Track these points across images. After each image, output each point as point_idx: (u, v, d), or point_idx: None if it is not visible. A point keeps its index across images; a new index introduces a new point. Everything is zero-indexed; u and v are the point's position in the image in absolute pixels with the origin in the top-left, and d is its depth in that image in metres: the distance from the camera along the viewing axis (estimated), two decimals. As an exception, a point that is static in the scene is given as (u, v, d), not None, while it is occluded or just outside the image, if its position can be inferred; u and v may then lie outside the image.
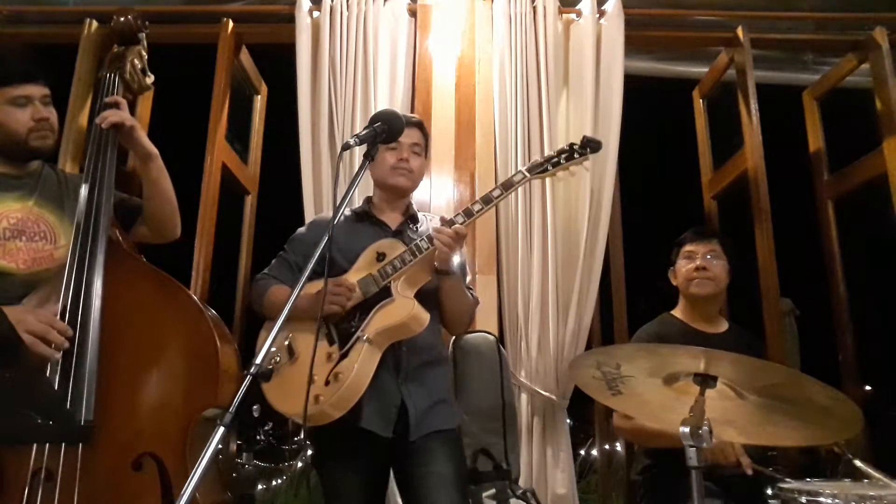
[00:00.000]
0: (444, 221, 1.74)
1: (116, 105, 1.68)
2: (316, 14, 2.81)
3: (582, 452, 4.23)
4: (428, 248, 1.72)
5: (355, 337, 1.68)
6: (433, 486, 1.68)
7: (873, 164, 2.88)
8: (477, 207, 1.78)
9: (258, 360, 1.04)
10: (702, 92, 3.32)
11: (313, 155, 2.67)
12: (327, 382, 1.63)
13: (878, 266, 3.28)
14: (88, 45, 2.83)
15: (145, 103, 2.92)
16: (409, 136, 1.89)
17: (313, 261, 1.23)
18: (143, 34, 1.87)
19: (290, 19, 2.80)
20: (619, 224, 2.96)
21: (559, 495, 2.39)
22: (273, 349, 1.72)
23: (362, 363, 1.64)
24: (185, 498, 0.88)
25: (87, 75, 2.80)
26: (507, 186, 1.82)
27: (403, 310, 1.70)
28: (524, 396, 2.48)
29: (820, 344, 3.28)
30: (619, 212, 2.96)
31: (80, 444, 1.33)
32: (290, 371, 1.72)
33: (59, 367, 1.36)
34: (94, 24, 2.85)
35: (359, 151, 1.50)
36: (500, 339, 2.38)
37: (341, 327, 1.71)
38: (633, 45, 2.92)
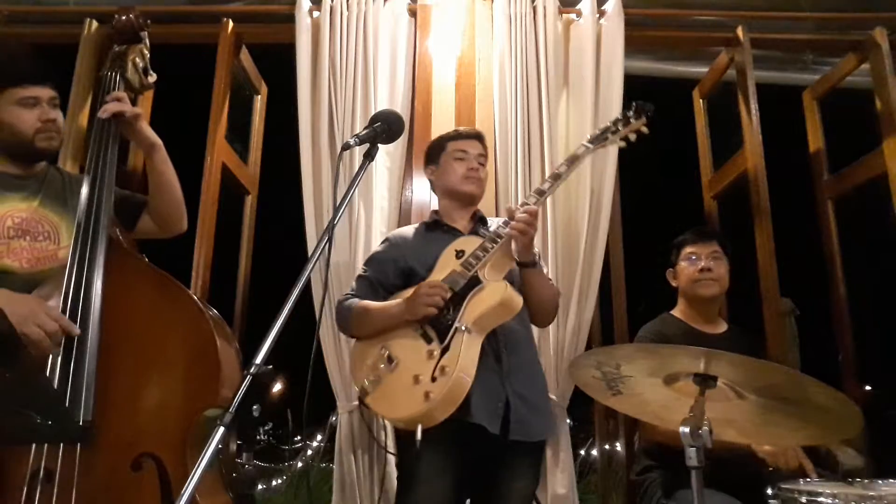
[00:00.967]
0: (510, 211, 1.75)
1: (118, 99, 1.69)
2: (316, 14, 2.81)
3: (582, 452, 4.23)
4: (507, 232, 1.73)
5: (454, 329, 1.67)
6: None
7: (873, 164, 2.88)
8: (547, 185, 1.83)
9: (258, 360, 1.04)
10: (702, 92, 3.32)
11: (313, 155, 2.67)
12: (434, 379, 1.61)
13: (878, 266, 3.28)
14: (88, 45, 2.83)
15: (145, 103, 2.92)
16: (474, 147, 2.01)
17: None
18: (145, 33, 1.87)
19: (290, 19, 2.79)
20: (619, 224, 2.96)
21: (559, 495, 2.39)
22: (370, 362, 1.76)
23: (466, 352, 1.63)
24: (184, 498, 0.87)
25: (87, 75, 2.80)
26: (573, 160, 1.87)
27: (497, 292, 1.69)
28: (524, 396, 2.47)
29: (820, 344, 3.28)
30: (619, 212, 2.96)
31: (79, 445, 1.32)
32: (392, 378, 1.70)
33: (58, 367, 1.35)
34: (94, 24, 2.85)
35: (359, 151, 1.49)
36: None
37: (436, 324, 1.70)
38: (633, 45, 2.91)
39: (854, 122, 3.23)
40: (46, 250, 1.60)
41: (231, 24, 2.88)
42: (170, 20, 2.94)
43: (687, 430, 1.26)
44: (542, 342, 2.49)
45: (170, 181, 1.76)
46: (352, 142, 1.43)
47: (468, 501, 1.83)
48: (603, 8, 2.85)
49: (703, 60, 3.27)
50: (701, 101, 3.33)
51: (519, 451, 1.76)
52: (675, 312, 2.27)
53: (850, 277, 3.04)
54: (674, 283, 2.28)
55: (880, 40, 2.85)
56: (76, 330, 1.37)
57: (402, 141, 2.59)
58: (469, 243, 1.80)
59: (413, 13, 2.87)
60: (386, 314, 1.78)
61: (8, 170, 1.67)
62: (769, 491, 1.53)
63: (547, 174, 2.56)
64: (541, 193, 1.80)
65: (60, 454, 1.31)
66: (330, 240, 1.30)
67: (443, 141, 2.05)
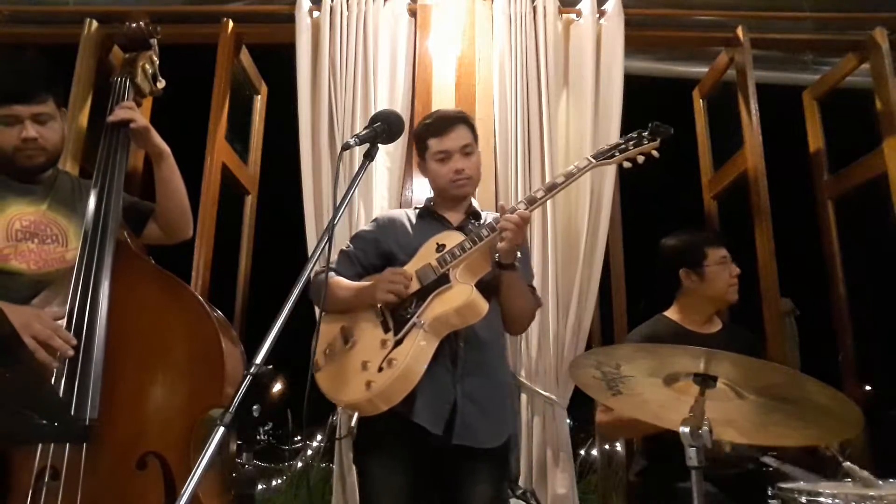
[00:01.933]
0: (503, 210, 1.69)
1: (129, 107, 1.69)
2: (316, 14, 2.81)
3: (582, 452, 4.23)
4: (488, 235, 1.68)
5: (411, 323, 1.64)
6: None
7: (873, 164, 2.88)
8: (540, 194, 1.74)
9: (258, 360, 1.04)
10: (702, 92, 3.32)
11: (313, 155, 2.67)
12: (380, 369, 1.58)
13: (878, 266, 3.28)
14: (88, 45, 2.83)
15: (146, 103, 2.91)
16: (457, 139, 1.85)
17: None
18: (154, 40, 1.88)
19: (290, 19, 2.80)
20: (619, 224, 2.96)
21: (559, 495, 2.39)
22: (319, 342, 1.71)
23: (417, 349, 1.59)
24: (185, 498, 0.88)
25: (87, 75, 2.80)
26: (572, 174, 1.77)
27: (461, 296, 1.64)
28: (524, 396, 2.48)
29: (820, 344, 3.28)
30: (619, 212, 2.96)
31: (84, 444, 1.33)
32: (344, 358, 1.68)
33: (64, 367, 1.36)
34: (94, 24, 2.85)
35: (359, 151, 1.49)
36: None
37: (397, 314, 1.68)
38: (633, 45, 2.91)
39: (854, 122, 3.23)
40: (54, 252, 1.61)
41: (231, 24, 2.88)
42: (170, 20, 2.93)
43: (687, 430, 1.26)
44: (542, 342, 2.50)
45: (177, 188, 1.77)
46: (352, 142, 1.43)
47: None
48: (603, 8, 2.85)
49: (703, 60, 3.27)
50: (701, 101, 3.33)
51: (473, 457, 1.68)
52: (670, 314, 2.21)
53: (850, 277, 3.04)
54: (688, 284, 2.16)
55: (880, 40, 2.86)
56: (72, 340, 1.38)
57: (402, 141, 2.59)
58: (452, 238, 1.74)
59: (413, 13, 2.87)
60: (352, 293, 1.75)
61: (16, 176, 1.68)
62: (769, 491, 1.53)
63: (547, 174, 2.57)
64: (532, 202, 1.72)
65: (66, 453, 1.32)
66: (330, 240, 1.31)
67: (424, 137, 1.90)
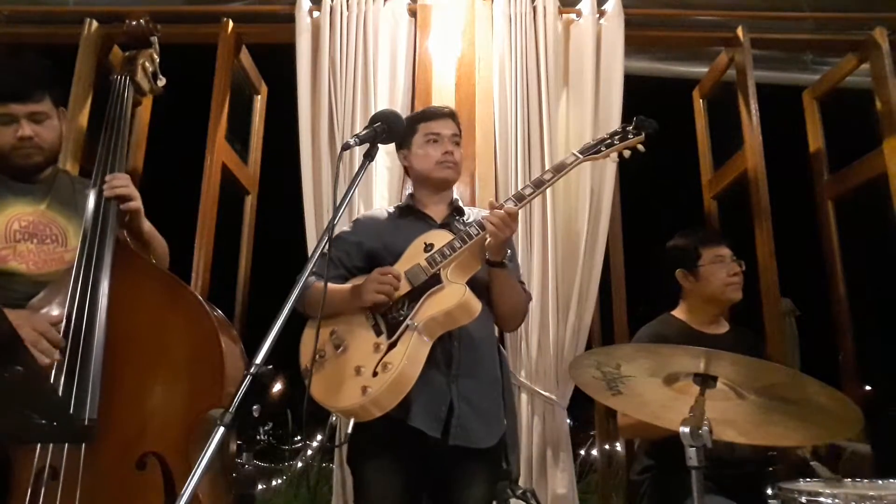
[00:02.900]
0: (492, 206, 1.68)
1: (125, 185, 1.62)
2: (316, 14, 2.81)
3: (582, 452, 4.23)
4: (478, 234, 1.67)
5: (404, 325, 1.62)
6: None
7: (873, 164, 2.88)
8: (528, 191, 1.74)
9: (258, 360, 1.04)
10: (702, 92, 3.32)
11: (313, 155, 2.67)
12: (375, 373, 1.57)
13: (878, 266, 3.27)
14: (88, 45, 2.82)
15: (146, 103, 2.92)
16: (447, 127, 1.88)
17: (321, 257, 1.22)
18: (155, 38, 1.88)
19: (290, 19, 2.79)
20: (619, 224, 2.96)
21: (559, 495, 2.39)
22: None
23: (412, 352, 1.58)
24: (185, 497, 0.88)
25: (87, 75, 2.79)
26: (559, 169, 1.77)
27: (454, 296, 1.62)
28: (524, 396, 2.47)
29: (820, 344, 3.28)
30: (619, 212, 2.96)
31: (83, 444, 1.33)
32: (336, 364, 1.65)
33: (64, 367, 1.36)
34: (94, 24, 2.85)
35: (359, 151, 1.50)
36: (500, 339, 2.37)
37: (389, 317, 1.66)
38: (633, 45, 2.91)
39: (854, 122, 3.23)
40: (53, 253, 1.61)
41: (231, 24, 2.88)
42: (170, 20, 2.93)
43: (687, 430, 1.27)
44: (542, 342, 2.50)
45: (161, 256, 1.75)
46: (352, 142, 1.43)
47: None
48: (603, 8, 2.85)
49: (703, 60, 3.27)
50: (701, 101, 3.33)
51: (468, 457, 1.68)
52: (677, 313, 2.22)
53: (850, 277, 3.03)
54: (686, 285, 2.18)
55: (880, 40, 2.85)
56: (60, 343, 1.37)
57: (402, 141, 2.59)
58: (440, 237, 1.72)
59: (413, 13, 2.87)
60: (339, 296, 1.72)
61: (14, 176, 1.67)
62: (769, 491, 1.53)
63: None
64: (520, 199, 1.71)
65: (65, 452, 1.32)
66: (330, 240, 1.31)
67: (413, 122, 1.91)
